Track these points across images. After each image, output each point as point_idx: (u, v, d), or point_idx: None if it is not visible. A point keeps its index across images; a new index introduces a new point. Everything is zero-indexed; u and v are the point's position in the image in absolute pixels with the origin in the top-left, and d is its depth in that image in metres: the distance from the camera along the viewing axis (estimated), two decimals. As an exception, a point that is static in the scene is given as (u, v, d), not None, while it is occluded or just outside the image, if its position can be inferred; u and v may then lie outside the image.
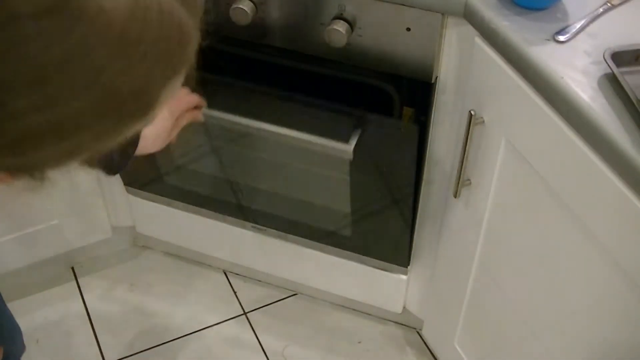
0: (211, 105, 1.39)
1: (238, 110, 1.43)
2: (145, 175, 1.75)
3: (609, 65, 1.01)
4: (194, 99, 1.32)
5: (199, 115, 1.33)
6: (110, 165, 1.13)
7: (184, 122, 1.29)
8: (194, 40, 0.58)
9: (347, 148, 1.37)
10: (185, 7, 0.55)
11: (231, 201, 1.70)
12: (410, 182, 1.44)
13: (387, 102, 1.39)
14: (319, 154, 1.43)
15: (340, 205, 1.57)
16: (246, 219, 1.72)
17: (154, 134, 1.20)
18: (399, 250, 1.61)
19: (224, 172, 1.70)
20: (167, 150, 1.29)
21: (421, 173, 1.46)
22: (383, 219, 1.56)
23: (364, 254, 1.65)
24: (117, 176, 1.76)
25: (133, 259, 1.99)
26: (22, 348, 1.38)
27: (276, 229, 1.70)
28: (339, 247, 1.66)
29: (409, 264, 1.63)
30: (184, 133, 1.28)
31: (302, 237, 1.68)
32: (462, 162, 1.27)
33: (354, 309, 1.88)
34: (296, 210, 1.66)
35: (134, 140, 1.12)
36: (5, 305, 1.33)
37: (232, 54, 1.46)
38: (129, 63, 0.49)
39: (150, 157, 1.69)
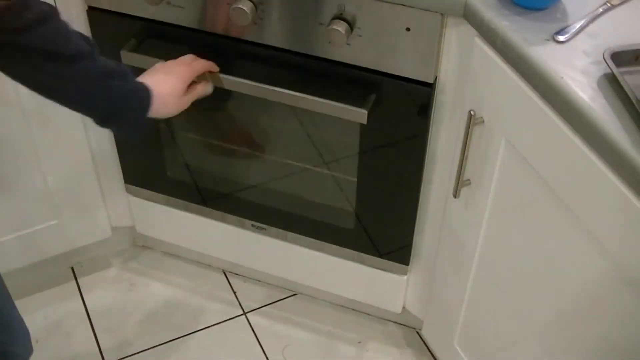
0: (222, 70, 1.40)
1: (249, 75, 1.42)
2: (146, 172, 1.75)
3: (608, 65, 1.01)
4: (206, 63, 1.35)
5: (208, 88, 1.36)
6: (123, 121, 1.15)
7: (197, 91, 1.32)
8: None
9: (362, 112, 1.34)
10: None
11: (231, 195, 1.70)
12: (421, 159, 1.43)
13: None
14: (331, 122, 1.41)
15: (346, 191, 1.57)
16: (246, 217, 1.72)
17: (163, 97, 1.21)
18: (398, 250, 1.61)
19: (225, 165, 1.70)
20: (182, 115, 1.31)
21: (421, 173, 1.46)
22: (385, 216, 1.56)
23: (363, 252, 1.64)
24: (118, 176, 1.76)
25: (133, 259, 1.99)
26: (29, 350, 1.38)
27: (276, 226, 1.70)
28: (340, 245, 1.66)
29: (408, 264, 1.63)
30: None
31: (302, 234, 1.68)
32: (461, 162, 1.27)
33: (353, 309, 1.88)
34: (298, 203, 1.65)
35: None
36: (11, 306, 1.33)
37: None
38: None
39: (152, 153, 1.70)
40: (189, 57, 1.35)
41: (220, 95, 1.53)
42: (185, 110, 1.30)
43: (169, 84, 1.24)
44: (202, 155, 1.70)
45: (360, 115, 1.35)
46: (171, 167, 1.72)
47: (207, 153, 1.70)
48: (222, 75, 1.41)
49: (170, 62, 1.31)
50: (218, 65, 1.41)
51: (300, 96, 1.39)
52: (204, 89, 1.36)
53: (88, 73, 1.06)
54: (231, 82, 1.43)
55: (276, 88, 1.40)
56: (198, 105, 1.35)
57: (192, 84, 1.32)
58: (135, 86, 1.17)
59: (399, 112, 1.37)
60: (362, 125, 1.39)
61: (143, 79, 1.21)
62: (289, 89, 1.39)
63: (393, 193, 1.51)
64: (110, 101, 1.11)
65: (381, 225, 1.58)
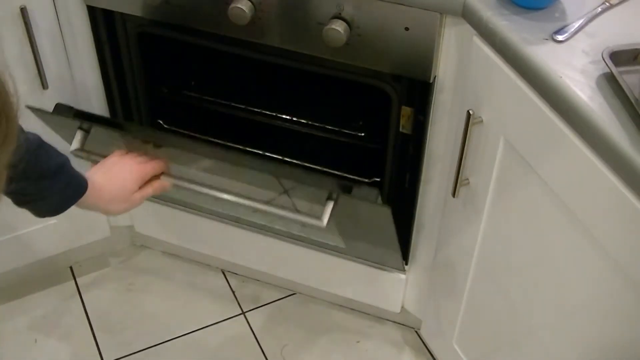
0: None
1: (207, 171, 1.40)
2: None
3: (607, 64, 1.01)
4: (158, 165, 1.30)
5: (165, 184, 1.31)
6: (40, 207, 1.12)
7: (149, 191, 1.28)
8: None
9: (320, 223, 1.25)
10: None
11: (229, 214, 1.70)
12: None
13: (385, 101, 1.39)
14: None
15: (332, 236, 1.57)
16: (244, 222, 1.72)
17: (111, 192, 1.20)
18: (394, 257, 1.61)
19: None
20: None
21: (420, 173, 1.46)
22: (374, 239, 1.56)
23: (362, 258, 1.65)
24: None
25: (132, 258, 1.99)
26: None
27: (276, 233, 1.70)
28: (337, 252, 1.66)
29: (407, 264, 1.63)
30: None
31: (300, 241, 1.69)
32: (460, 161, 1.27)
33: (352, 309, 1.88)
34: (289, 230, 1.66)
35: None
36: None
37: (230, 53, 1.46)
38: None
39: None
40: (143, 157, 1.29)
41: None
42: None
43: (118, 184, 1.22)
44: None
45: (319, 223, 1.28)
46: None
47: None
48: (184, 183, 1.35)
49: (124, 159, 1.27)
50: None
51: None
52: (160, 187, 1.31)
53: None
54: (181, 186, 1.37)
55: (230, 196, 1.35)
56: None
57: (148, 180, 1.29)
58: (71, 180, 1.14)
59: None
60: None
61: (93, 173, 1.20)
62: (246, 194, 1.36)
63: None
64: (47, 192, 1.10)
65: (373, 240, 1.58)
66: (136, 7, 1.43)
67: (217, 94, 1.64)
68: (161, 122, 1.69)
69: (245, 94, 1.64)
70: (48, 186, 1.09)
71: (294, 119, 1.60)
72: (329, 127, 1.58)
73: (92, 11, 1.48)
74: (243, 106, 1.62)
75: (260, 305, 1.89)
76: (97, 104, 1.63)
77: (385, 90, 1.37)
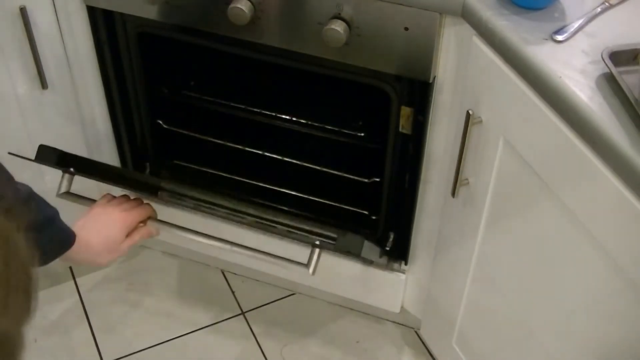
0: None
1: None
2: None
3: (607, 64, 1.01)
4: (144, 210, 1.30)
5: (152, 231, 1.31)
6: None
7: (137, 238, 1.28)
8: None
9: (307, 271, 1.33)
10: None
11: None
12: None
13: (385, 101, 1.39)
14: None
15: None
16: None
17: (99, 245, 1.19)
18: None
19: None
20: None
21: (419, 173, 1.46)
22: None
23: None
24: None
25: (131, 258, 1.98)
26: None
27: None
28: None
29: (407, 264, 1.63)
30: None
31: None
32: (460, 161, 1.27)
33: (352, 309, 1.88)
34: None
35: None
36: None
37: (230, 53, 1.46)
38: None
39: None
40: (128, 204, 1.30)
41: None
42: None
43: (105, 236, 1.22)
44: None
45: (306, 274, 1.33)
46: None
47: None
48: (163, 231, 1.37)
49: (110, 208, 1.27)
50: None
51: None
52: (147, 233, 1.31)
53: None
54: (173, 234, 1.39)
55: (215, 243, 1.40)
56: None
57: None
58: (58, 234, 1.13)
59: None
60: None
61: (80, 228, 1.18)
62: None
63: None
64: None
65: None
66: (136, 7, 1.43)
67: (217, 94, 1.64)
68: (161, 122, 1.69)
69: (245, 94, 1.64)
70: (33, 239, 1.08)
71: (294, 119, 1.60)
72: (329, 127, 1.58)
73: (92, 11, 1.48)
74: (243, 106, 1.62)
75: (259, 305, 1.89)
76: (97, 104, 1.63)
77: (385, 90, 1.37)
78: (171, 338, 1.81)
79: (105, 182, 1.38)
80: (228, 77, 1.69)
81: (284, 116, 1.60)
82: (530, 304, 1.26)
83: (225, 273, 1.96)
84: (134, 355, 1.77)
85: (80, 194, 1.35)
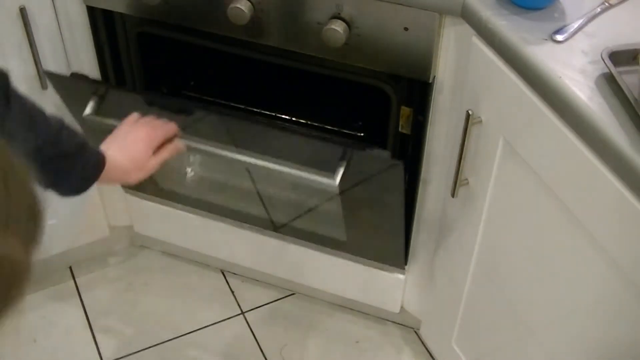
0: (193, 132, 1.37)
1: (219, 137, 1.39)
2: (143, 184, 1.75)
3: (606, 64, 1.01)
4: (170, 127, 1.30)
5: (179, 146, 1.31)
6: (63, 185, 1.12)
7: (165, 154, 1.27)
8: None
9: (332, 183, 1.29)
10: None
11: (224, 206, 1.70)
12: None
13: (385, 102, 1.39)
14: (304, 185, 1.37)
15: (334, 221, 1.57)
16: (243, 221, 1.72)
17: (128, 163, 1.20)
18: (396, 250, 1.61)
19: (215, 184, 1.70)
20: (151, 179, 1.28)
21: (419, 173, 1.46)
22: (379, 221, 1.56)
23: (361, 255, 1.65)
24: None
25: (131, 258, 1.98)
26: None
27: (274, 231, 1.70)
28: (337, 249, 1.66)
29: (406, 264, 1.63)
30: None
31: (299, 239, 1.69)
32: (459, 161, 1.27)
33: (351, 309, 1.88)
34: (291, 216, 1.65)
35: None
36: None
37: (229, 53, 1.46)
38: None
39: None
40: (154, 122, 1.29)
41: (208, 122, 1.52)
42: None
43: (133, 154, 1.22)
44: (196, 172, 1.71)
45: (332, 186, 1.31)
46: (164, 181, 1.72)
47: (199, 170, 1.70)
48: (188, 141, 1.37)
49: (136, 127, 1.26)
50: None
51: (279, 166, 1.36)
52: (175, 149, 1.30)
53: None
54: (197, 148, 1.39)
55: (242, 157, 1.37)
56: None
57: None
58: (90, 158, 1.14)
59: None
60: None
61: (107, 147, 1.19)
62: (258, 152, 1.37)
63: (385, 199, 1.51)
64: (67, 173, 1.10)
65: (378, 224, 1.58)
66: (136, 7, 1.43)
67: (217, 94, 1.64)
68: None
69: (245, 94, 1.64)
70: (70, 166, 1.10)
71: (294, 119, 1.60)
72: (329, 127, 1.58)
73: (92, 11, 1.48)
74: (243, 106, 1.62)
75: (259, 305, 1.89)
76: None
77: (385, 90, 1.37)
78: (171, 338, 1.81)
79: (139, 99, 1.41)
80: (228, 77, 1.69)
81: (283, 116, 1.60)
82: (530, 304, 1.26)
83: (224, 273, 1.96)
84: (133, 355, 1.77)
85: (108, 116, 1.36)
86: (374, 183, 1.35)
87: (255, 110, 1.61)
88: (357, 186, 1.37)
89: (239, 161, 1.38)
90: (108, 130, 1.25)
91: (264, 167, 1.36)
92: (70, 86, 1.42)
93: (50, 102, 1.56)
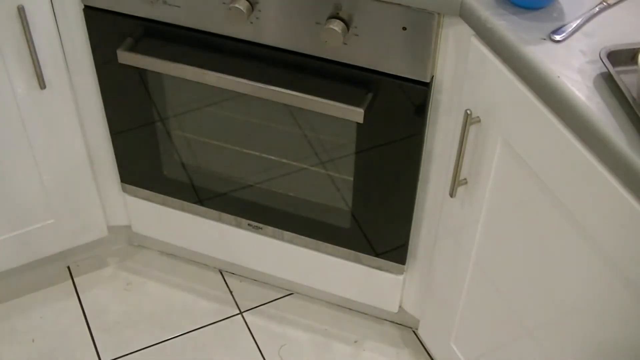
0: (214, 67, 1.39)
1: (245, 75, 1.43)
2: (142, 172, 1.75)
3: (604, 64, 1.02)
4: None
5: None
6: None
7: None
8: None
9: (359, 110, 1.34)
10: None
11: (227, 194, 1.70)
12: (417, 158, 1.43)
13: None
14: (328, 121, 1.42)
15: (342, 190, 1.56)
16: (242, 216, 1.72)
17: None
18: (395, 249, 1.61)
19: (222, 164, 1.70)
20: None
21: (418, 173, 1.46)
22: (381, 215, 1.56)
23: (360, 251, 1.64)
24: (114, 175, 1.76)
25: (129, 258, 1.98)
26: None
27: (272, 226, 1.70)
28: (336, 244, 1.66)
29: (405, 263, 1.63)
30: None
31: (298, 233, 1.68)
32: (458, 161, 1.27)
33: (350, 308, 1.88)
34: (294, 202, 1.65)
35: None
36: None
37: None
38: None
39: (149, 152, 1.69)
40: None
41: (216, 94, 1.53)
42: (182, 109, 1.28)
43: None
44: (199, 154, 1.70)
45: (356, 114, 1.35)
46: (167, 166, 1.72)
47: (203, 152, 1.70)
48: (218, 74, 1.40)
49: None
50: (214, 65, 1.41)
51: (296, 95, 1.39)
52: None
53: None
54: (227, 80, 1.42)
55: (272, 87, 1.40)
56: (195, 103, 1.33)
57: None
58: None
59: (396, 111, 1.37)
60: (358, 124, 1.39)
61: None
62: (285, 88, 1.39)
63: (389, 192, 1.51)
64: None
65: (377, 224, 1.58)
66: (135, 7, 1.43)
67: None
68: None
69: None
70: None
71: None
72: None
73: (90, 11, 1.48)
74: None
75: (257, 305, 1.89)
76: (95, 104, 1.63)
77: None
78: (169, 338, 1.81)
79: None
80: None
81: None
82: (529, 303, 1.26)
83: (223, 273, 1.96)
84: (132, 355, 1.77)
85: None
86: (396, 120, 1.39)
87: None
88: (380, 123, 1.40)
89: (268, 92, 1.42)
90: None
91: (291, 97, 1.40)
92: (107, 23, 1.48)
93: (48, 103, 1.56)
